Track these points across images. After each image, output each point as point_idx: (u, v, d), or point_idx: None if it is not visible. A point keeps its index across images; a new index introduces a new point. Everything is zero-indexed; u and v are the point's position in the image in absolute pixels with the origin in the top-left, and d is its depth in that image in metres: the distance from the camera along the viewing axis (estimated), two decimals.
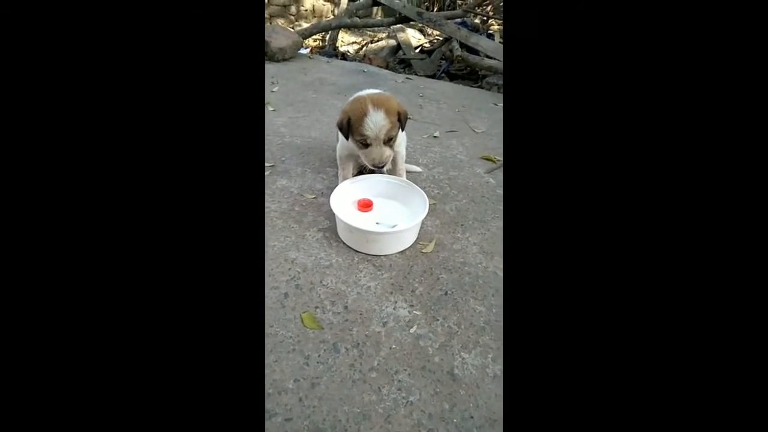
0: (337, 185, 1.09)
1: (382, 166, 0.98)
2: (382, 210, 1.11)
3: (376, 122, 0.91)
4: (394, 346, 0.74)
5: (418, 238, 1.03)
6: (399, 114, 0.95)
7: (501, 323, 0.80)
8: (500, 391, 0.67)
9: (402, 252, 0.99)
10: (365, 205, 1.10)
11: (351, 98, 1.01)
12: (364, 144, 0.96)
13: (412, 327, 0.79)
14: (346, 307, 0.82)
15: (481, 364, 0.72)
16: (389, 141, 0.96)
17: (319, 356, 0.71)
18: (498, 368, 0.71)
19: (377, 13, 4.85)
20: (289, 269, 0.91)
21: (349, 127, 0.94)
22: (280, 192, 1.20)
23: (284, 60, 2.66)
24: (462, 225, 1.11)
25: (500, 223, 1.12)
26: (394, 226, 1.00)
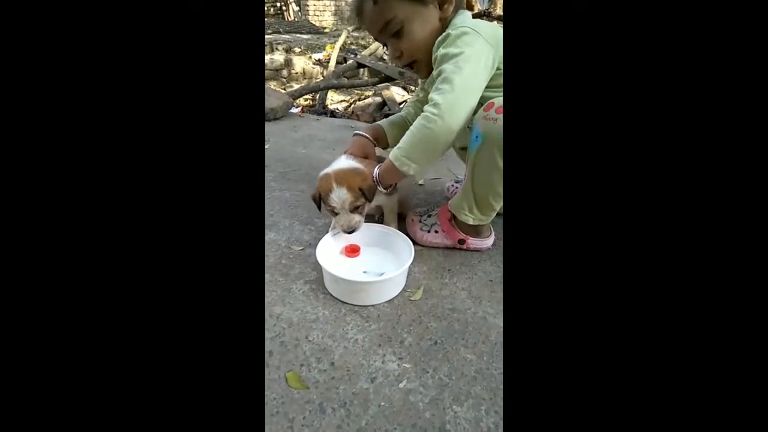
0: (324, 236, 1.11)
1: (352, 231, 1.08)
2: (370, 258, 1.11)
3: (339, 197, 1.05)
4: (383, 404, 0.71)
5: (406, 285, 1.03)
6: (362, 189, 1.06)
7: (492, 371, 0.78)
8: None
9: (390, 301, 0.98)
10: (352, 251, 1.11)
11: (321, 174, 1.12)
12: (333, 213, 1.10)
13: (401, 381, 0.76)
14: (332, 364, 0.79)
15: (474, 418, 0.69)
16: (356, 209, 1.08)
17: (304, 418, 0.68)
18: (491, 421, 0.68)
19: (363, 74, 5.23)
20: (274, 325, 0.88)
21: (320, 199, 1.10)
22: (267, 245, 1.20)
23: (275, 119, 2.80)
24: (449, 270, 1.11)
25: (487, 267, 1.12)
26: (382, 274, 1.00)
